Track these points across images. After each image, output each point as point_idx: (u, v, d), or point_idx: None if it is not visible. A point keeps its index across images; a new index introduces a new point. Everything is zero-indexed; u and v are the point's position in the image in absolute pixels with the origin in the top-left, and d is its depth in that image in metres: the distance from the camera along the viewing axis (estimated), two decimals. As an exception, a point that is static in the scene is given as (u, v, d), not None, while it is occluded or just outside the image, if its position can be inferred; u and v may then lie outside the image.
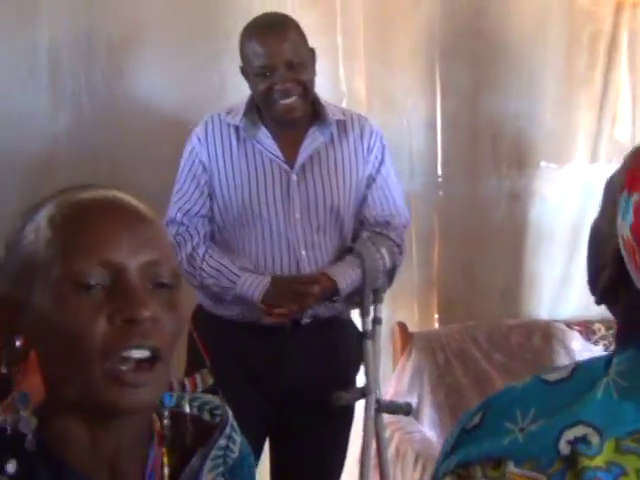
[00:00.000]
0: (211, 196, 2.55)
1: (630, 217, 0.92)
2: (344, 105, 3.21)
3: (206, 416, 1.04)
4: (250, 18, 2.56)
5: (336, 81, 3.26)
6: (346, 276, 2.50)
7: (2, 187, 2.93)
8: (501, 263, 3.44)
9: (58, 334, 0.91)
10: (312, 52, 2.54)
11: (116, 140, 3.01)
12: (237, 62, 2.54)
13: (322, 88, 3.08)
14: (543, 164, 3.47)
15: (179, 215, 2.54)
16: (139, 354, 0.90)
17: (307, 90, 2.48)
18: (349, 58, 3.27)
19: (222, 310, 2.55)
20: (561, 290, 3.49)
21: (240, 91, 2.64)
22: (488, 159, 3.40)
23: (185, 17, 3.06)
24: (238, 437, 1.05)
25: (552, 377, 0.93)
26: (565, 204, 3.48)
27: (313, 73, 2.53)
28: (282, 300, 2.44)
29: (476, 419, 0.93)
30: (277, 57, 2.42)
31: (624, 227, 0.93)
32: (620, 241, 0.94)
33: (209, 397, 1.06)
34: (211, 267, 2.50)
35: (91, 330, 0.89)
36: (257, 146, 2.52)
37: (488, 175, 3.40)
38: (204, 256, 2.51)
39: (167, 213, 2.54)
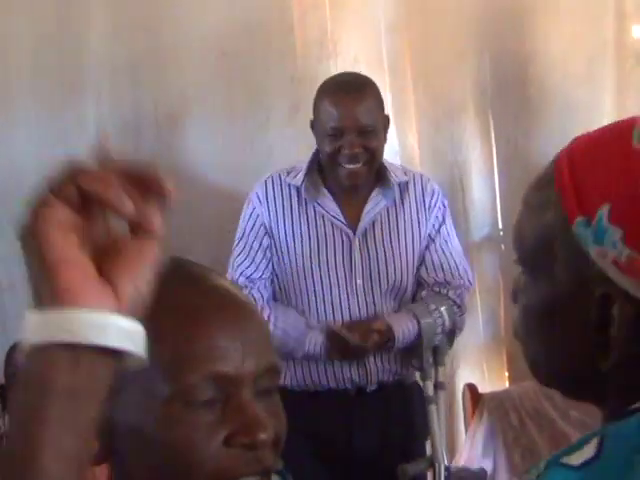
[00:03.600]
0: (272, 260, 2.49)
1: (613, 232, 0.76)
2: (398, 162, 3.16)
3: None
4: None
5: (389, 139, 3.21)
6: (401, 323, 2.41)
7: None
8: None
9: (160, 453, 0.80)
10: (386, 119, 2.48)
11: (167, 214, 2.98)
12: (283, 130, 2.51)
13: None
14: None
15: (242, 279, 2.45)
16: (252, 478, 0.81)
17: (374, 157, 2.41)
18: (400, 115, 3.22)
19: (283, 381, 2.48)
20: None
21: (288, 158, 2.61)
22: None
23: (230, 88, 3.05)
24: None
25: (575, 460, 0.75)
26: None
27: (384, 140, 2.46)
28: (343, 352, 2.37)
29: None
30: (349, 121, 2.36)
31: (609, 252, 0.76)
32: (615, 275, 0.77)
33: None
34: (278, 329, 2.41)
35: (206, 453, 0.79)
36: (318, 208, 2.46)
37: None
38: (269, 318, 2.43)
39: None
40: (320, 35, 3.09)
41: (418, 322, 2.41)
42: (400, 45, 3.20)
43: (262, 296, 2.46)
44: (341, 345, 2.38)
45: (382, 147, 2.45)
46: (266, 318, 2.42)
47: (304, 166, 2.47)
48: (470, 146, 3.28)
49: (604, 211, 0.78)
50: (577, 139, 0.87)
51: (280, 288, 2.49)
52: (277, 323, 2.42)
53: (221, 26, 3.03)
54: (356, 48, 3.14)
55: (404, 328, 2.41)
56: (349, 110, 2.36)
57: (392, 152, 3.20)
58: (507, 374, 3.32)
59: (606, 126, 0.88)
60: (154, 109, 3.01)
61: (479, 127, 3.28)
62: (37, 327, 0.60)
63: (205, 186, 3.00)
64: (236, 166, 3.01)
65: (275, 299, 2.50)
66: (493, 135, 3.30)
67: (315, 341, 2.40)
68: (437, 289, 2.50)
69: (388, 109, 3.22)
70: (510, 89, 3.29)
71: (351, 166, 2.38)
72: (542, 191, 0.84)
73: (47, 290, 0.60)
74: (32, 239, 0.61)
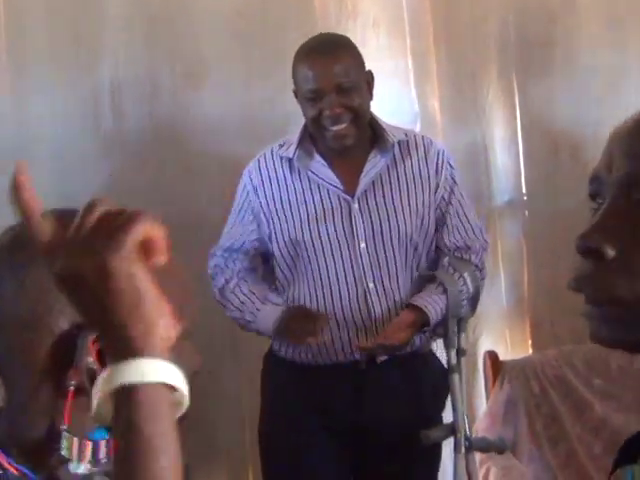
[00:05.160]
0: (262, 238, 2.46)
1: None
2: (418, 126, 3.10)
3: None
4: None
5: (409, 102, 3.15)
6: (434, 305, 2.35)
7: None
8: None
9: None
10: (369, 75, 2.39)
11: (184, 179, 2.95)
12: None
13: (395, 110, 2.98)
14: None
15: (219, 251, 2.49)
16: None
17: (359, 115, 2.32)
18: (421, 79, 3.16)
19: (292, 354, 2.44)
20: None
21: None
22: (569, 172, 3.22)
23: (247, 49, 2.99)
24: None
25: None
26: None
27: (368, 97, 2.37)
28: (294, 331, 2.33)
29: None
30: (325, 81, 2.28)
31: None
32: None
33: None
34: (238, 300, 2.43)
35: None
36: (312, 176, 2.40)
37: (571, 189, 3.22)
38: (233, 289, 2.44)
39: None
40: (340, -5, 3.02)
41: (445, 291, 2.34)
42: (421, 6, 3.12)
43: (234, 267, 2.47)
44: (296, 326, 2.34)
45: (367, 104, 2.37)
46: (231, 288, 2.45)
47: (296, 137, 2.41)
48: (493, 109, 3.21)
49: None
50: None
51: (280, 266, 2.44)
52: (238, 295, 2.44)
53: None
54: (376, 9, 3.07)
55: (435, 307, 2.34)
56: (324, 70, 2.28)
57: (413, 116, 3.14)
58: (530, 342, 3.27)
59: None
60: (170, 72, 2.96)
61: (502, 90, 3.21)
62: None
63: (222, 148, 2.95)
64: (254, 128, 2.95)
65: (276, 277, 2.47)
66: (517, 98, 3.22)
67: (266, 314, 2.38)
68: (459, 254, 2.44)
69: (409, 72, 3.16)
70: (534, 50, 3.21)
71: (335, 127, 2.30)
72: None
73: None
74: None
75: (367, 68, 2.42)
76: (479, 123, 3.20)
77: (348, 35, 2.54)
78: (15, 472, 0.90)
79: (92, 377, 0.89)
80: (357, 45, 2.43)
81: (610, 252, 0.78)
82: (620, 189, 0.81)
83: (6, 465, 0.90)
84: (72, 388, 0.90)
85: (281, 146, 2.45)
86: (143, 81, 2.96)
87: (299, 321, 2.33)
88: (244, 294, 2.44)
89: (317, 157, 2.40)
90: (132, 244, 0.76)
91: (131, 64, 2.95)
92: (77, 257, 0.75)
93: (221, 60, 2.98)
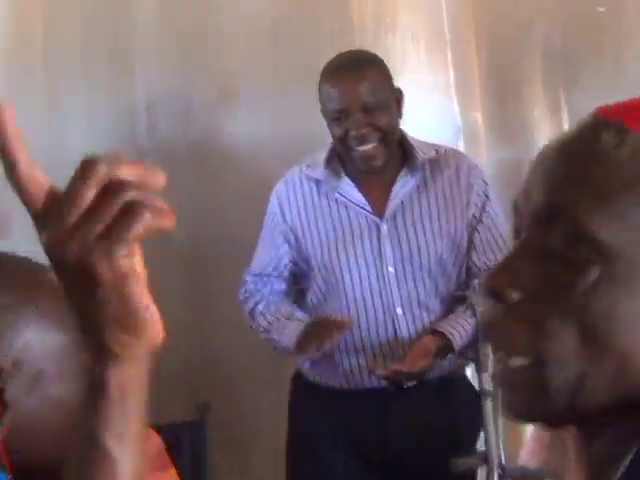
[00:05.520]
0: (295, 260, 2.40)
1: None
2: (461, 142, 3.02)
3: None
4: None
5: (451, 118, 3.07)
6: (459, 329, 2.26)
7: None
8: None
9: None
10: (398, 92, 2.32)
11: (217, 196, 2.92)
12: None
13: (437, 125, 2.91)
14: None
15: (249, 277, 2.45)
16: None
17: (387, 135, 2.26)
18: (463, 93, 3.07)
19: (320, 378, 2.38)
20: None
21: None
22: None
23: (282, 63, 2.95)
24: None
25: None
26: None
27: (397, 116, 2.31)
28: (310, 339, 2.25)
29: None
30: (351, 100, 2.22)
31: None
32: None
33: None
34: (266, 321, 2.38)
35: None
36: (340, 198, 2.34)
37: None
38: (262, 310, 2.40)
39: None
40: (377, 7, 2.95)
41: (475, 313, 2.25)
42: (463, 15, 3.04)
43: (263, 290, 2.43)
44: (317, 335, 2.25)
45: (395, 123, 2.30)
46: (260, 310, 2.40)
47: (324, 156, 2.35)
48: (539, 124, 3.10)
49: None
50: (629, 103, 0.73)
51: (311, 288, 2.39)
52: (267, 317, 2.39)
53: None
54: (416, 22, 3.00)
55: (461, 332, 2.25)
56: (349, 89, 2.22)
57: (455, 131, 3.05)
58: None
59: None
60: (205, 88, 2.95)
61: (548, 103, 3.10)
62: None
63: (257, 164, 2.91)
64: (289, 143, 2.91)
65: (306, 300, 2.42)
66: (564, 112, 3.11)
67: (292, 331, 2.31)
68: (490, 275, 2.34)
69: (450, 86, 3.08)
70: (583, 62, 3.09)
71: (362, 148, 2.24)
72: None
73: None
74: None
75: (397, 85, 2.37)
76: (524, 138, 3.10)
77: (387, 50, 2.49)
78: None
79: None
80: (396, 60, 2.38)
81: (514, 296, 0.68)
82: (537, 222, 0.70)
83: None
84: None
85: (309, 166, 2.40)
86: (177, 99, 2.95)
87: (317, 330, 2.26)
88: (272, 314, 2.40)
89: (345, 178, 2.35)
90: (132, 243, 0.62)
91: (165, 82, 2.95)
92: (68, 246, 0.62)
93: (254, 78, 2.95)
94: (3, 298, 1.02)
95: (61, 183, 0.67)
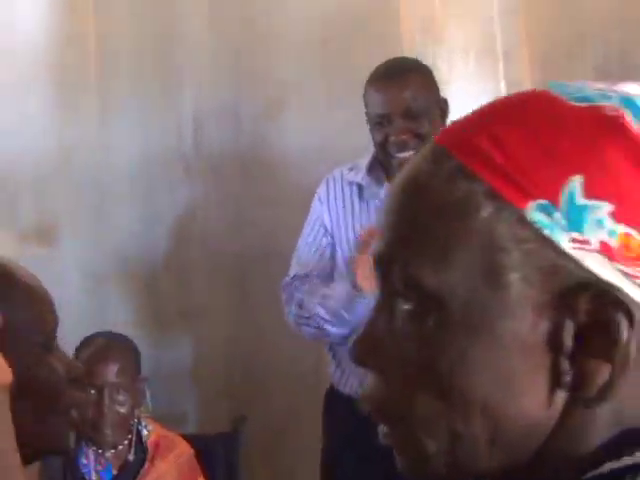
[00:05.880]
0: (336, 258, 2.37)
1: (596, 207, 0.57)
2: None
3: None
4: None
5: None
6: None
7: (150, 254, 2.89)
8: None
9: None
10: (443, 101, 2.30)
11: (266, 208, 2.91)
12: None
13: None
14: None
15: (288, 279, 2.40)
16: None
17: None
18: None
19: (351, 388, 2.33)
20: None
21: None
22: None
23: (331, 76, 2.94)
24: None
25: None
26: None
27: (439, 124, 2.27)
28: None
29: None
30: (394, 105, 2.20)
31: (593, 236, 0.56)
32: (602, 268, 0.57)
33: None
34: (308, 311, 2.29)
35: None
36: (380, 205, 2.31)
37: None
38: (302, 304, 2.32)
39: None
40: (426, 20, 2.92)
41: None
42: (515, 29, 2.98)
43: (302, 290, 2.34)
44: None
45: (437, 132, 2.22)
46: (301, 304, 2.31)
47: (366, 161, 2.33)
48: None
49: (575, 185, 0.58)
50: (458, 123, 0.65)
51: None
52: (313, 298, 2.29)
53: (322, 12, 2.93)
54: (465, 34, 2.95)
55: None
56: (392, 94, 2.21)
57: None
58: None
59: (503, 98, 0.65)
60: (253, 101, 2.95)
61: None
62: None
63: (305, 175, 2.89)
64: (337, 155, 2.88)
65: None
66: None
67: (339, 285, 2.22)
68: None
69: (500, 95, 3.01)
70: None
71: (401, 155, 2.20)
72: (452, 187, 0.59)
73: None
74: None
75: (443, 95, 2.34)
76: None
77: (436, 62, 2.46)
78: None
79: None
80: (445, 72, 2.34)
81: (374, 364, 0.62)
82: (382, 278, 0.62)
83: None
84: None
85: (350, 170, 2.39)
86: (226, 111, 2.96)
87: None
88: (313, 303, 2.30)
89: (387, 185, 2.32)
90: None
91: (214, 94, 2.96)
92: None
93: (303, 90, 2.94)
94: None
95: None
